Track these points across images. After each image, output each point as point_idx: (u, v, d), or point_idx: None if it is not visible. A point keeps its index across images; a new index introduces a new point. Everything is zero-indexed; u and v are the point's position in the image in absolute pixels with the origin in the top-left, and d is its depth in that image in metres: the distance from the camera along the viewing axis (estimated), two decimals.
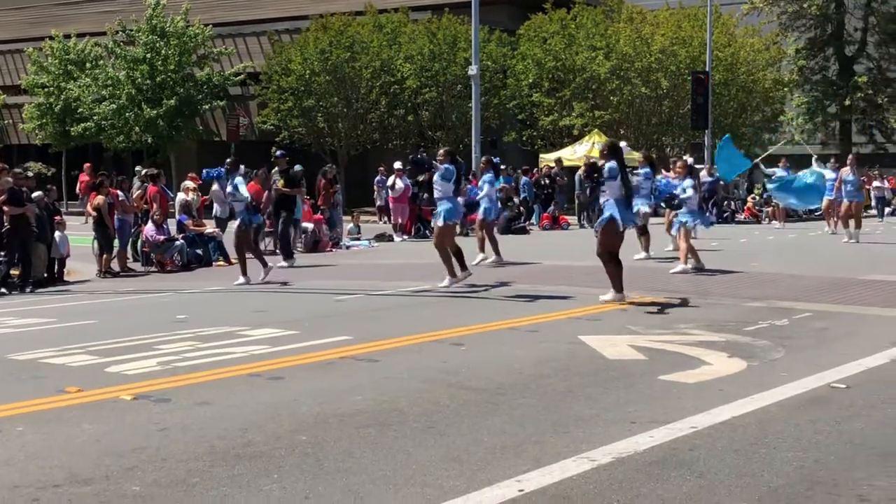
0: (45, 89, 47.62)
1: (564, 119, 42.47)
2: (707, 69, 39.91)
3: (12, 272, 17.71)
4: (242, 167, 18.99)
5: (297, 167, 21.57)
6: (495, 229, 20.16)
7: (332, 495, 5.26)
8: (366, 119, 43.81)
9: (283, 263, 19.14)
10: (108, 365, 8.85)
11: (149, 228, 20.84)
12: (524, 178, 33.16)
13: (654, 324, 11.07)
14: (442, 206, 15.09)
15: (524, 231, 29.02)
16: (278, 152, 21.34)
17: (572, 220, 32.62)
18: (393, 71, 42.73)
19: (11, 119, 53.03)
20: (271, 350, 9.55)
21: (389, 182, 28.71)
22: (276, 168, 20.96)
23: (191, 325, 11.32)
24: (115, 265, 20.16)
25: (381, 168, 33.65)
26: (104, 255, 19.92)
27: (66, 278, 19.65)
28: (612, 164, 12.97)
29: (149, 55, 44.70)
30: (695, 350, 9.36)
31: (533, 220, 32.12)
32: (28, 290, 17.48)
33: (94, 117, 45.49)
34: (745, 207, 37.10)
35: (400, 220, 28.09)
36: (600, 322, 11.29)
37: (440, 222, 15.06)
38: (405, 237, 27.37)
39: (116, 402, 7.44)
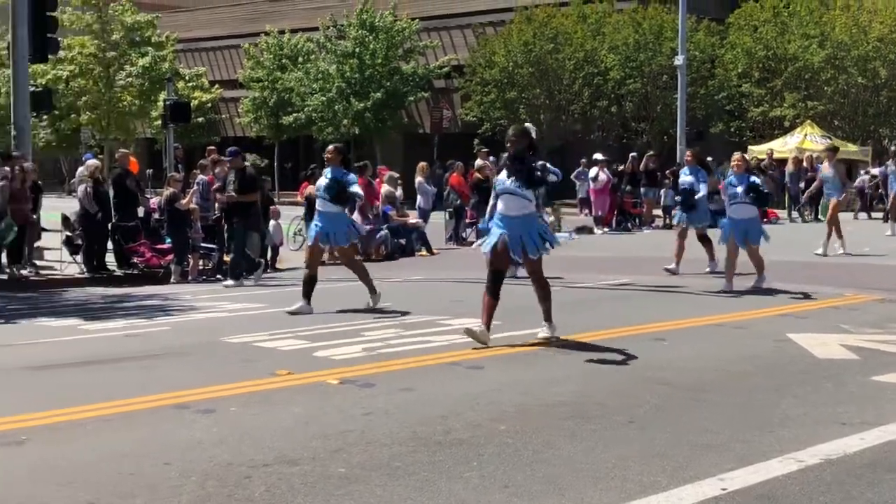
0: (260, 83, 49.54)
1: (775, 110, 41.14)
2: None
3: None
4: None
5: (249, 166, 17.80)
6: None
7: (531, 485, 5.28)
8: (568, 111, 43.68)
9: (229, 282, 15.90)
10: (316, 350, 9.15)
11: (356, 219, 21.34)
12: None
13: (867, 322, 10.62)
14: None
15: None
16: (230, 149, 16.99)
17: (782, 213, 31.57)
18: (596, 62, 42.42)
19: (228, 112, 55.40)
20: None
21: (592, 173, 28.50)
22: (231, 168, 16.59)
23: (394, 313, 11.56)
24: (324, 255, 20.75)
25: (584, 160, 33.48)
26: None
27: (277, 266, 20.37)
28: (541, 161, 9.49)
29: (358, 49, 45.95)
30: None
31: None
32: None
33: (305, 109, 47.10)
34: None
35: (600, 212, 27.89)
36: (809, 320, 10.90)
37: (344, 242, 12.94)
38: (606, 229, 27.18)
39: (323, 385, 7.68)
